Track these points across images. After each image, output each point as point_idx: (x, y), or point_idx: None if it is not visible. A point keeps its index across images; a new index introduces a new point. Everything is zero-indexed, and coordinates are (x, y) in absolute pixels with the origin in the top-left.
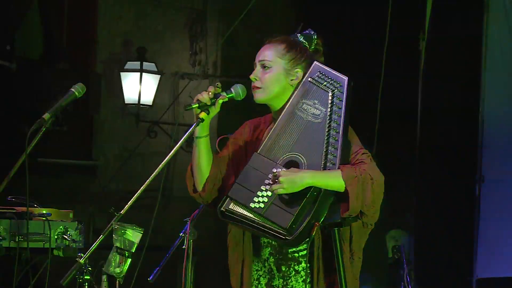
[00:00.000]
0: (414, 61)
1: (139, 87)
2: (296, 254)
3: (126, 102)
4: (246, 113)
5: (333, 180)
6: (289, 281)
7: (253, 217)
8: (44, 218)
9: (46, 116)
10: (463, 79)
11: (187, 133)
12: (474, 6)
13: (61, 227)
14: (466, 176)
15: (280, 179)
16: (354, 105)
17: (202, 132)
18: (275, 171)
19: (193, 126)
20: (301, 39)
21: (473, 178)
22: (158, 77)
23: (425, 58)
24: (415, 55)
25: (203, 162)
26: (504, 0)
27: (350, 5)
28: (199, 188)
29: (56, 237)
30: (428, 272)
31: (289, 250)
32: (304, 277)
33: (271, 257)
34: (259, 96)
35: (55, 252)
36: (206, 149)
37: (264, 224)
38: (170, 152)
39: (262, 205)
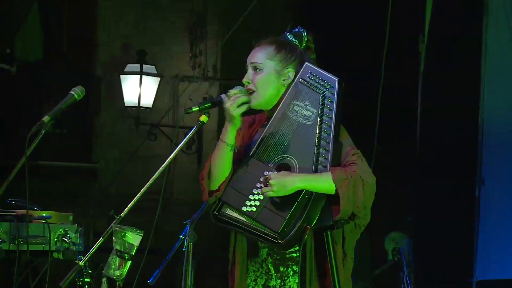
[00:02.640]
0: (414, 62)
1: (139, 89)
2: (294, 255)
3: (126, 104)
4: (246, 115)
5: (324, 183)
6: (286, 281)
7: (246, 220)
8: (44, 221)
9: (46, 119)
10: (463, 80)
11: (187, 136)
12: (474, 7)
13: (61, 229)
14: (466, 178)
15: (270, 182)
16: (355, 106)
17: (232, 140)
18: (266, 174)
19: (193, 129)
20: (291, 38)
21: (473, 180)
22: (158, 79)
23: (425, 59)
24: (415, 56)
25: (227, 165)
26: (504, 1)
27: (350, 6)
28: (215, 187)
29: (56, 239)
30: (428, 275)
31: (287, 250)
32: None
33: (269, 258)
34: (254, 101)
35: (55, 255)
36: (231, 155)
37: (257, 227)
38: (170, 155)
39: (254, 208)
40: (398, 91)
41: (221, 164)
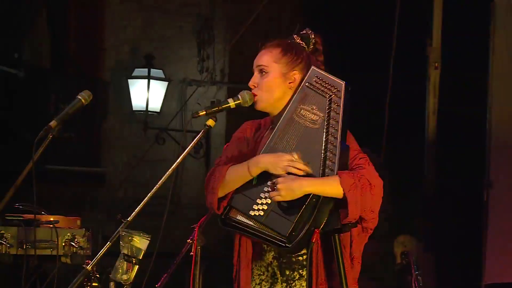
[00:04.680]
0: (421, 66)
1: (147, 94)
2: (300, 258)
3: (134, 109)
4: (253, 119)
5: (331, 187)
6: (292, 285)
7: (253, 224)
8: (51, 225)
9: (53, 123)
10: (471, 83)
11: (194, 140)
12: (481, 10)
13: (68, 234)
14: (474, 181)
15: (278, 186)
16: (363, 111)
17: (257, 174)
18: (273, 178)
19: (201, 133)
20: (298, 40)
21: (481, 183)
22: (165, 83)
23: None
24: (422, 60)
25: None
26: (510, 4)
27: (358, 10)
28: (222, 195)
29: (63, 244)
30: (436, 278)
31: (295, 254)
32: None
33: (275, 261)
34: (260, 104)
35: (63, 259)
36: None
37: (264, 231)
38: (178, 159)
39: (261, 212)
40: (406, 94)
41: (236, 186)
